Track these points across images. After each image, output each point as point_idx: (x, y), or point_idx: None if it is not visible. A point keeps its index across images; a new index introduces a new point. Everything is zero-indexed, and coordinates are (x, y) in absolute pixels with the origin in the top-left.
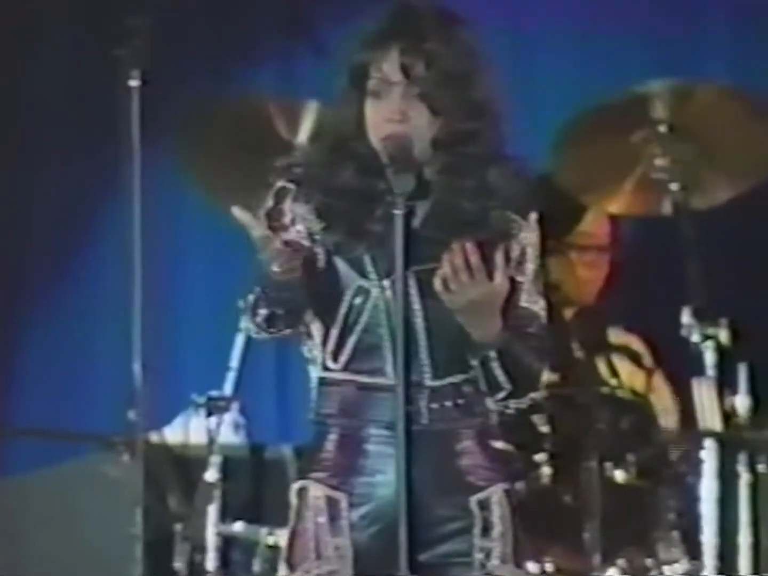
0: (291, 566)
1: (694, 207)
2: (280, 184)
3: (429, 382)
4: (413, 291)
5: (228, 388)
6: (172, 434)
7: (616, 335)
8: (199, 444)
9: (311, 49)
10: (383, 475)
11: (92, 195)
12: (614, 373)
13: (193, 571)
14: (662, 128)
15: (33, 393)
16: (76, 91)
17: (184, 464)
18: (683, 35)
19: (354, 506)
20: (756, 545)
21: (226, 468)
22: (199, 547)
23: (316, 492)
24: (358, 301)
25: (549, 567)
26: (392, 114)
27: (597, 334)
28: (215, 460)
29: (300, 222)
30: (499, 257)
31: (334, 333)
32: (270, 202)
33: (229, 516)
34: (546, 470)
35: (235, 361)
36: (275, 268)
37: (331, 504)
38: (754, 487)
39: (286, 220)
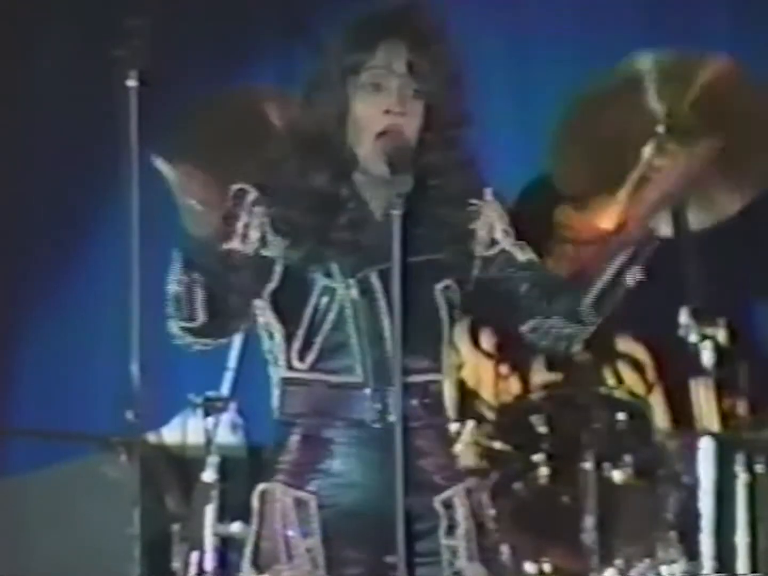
0: (258, 568)
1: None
2: (237, 186)
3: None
4: (377, 289)
5: (225, 389)
6: (170, 435)
7: (624, 343)
8: (196, 444)
9: (311, 49)
10: (351, 475)
11: (91, 195)
12: (619, 379)
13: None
14: (661, 129)
15: (32, 393)
16: (74, 91)
17: (181, 465)
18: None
19: (322, 507)
20: (753, 545)
21: (223, 468)
22: (197, 548)
23: (283, 494)
24: (324, 300)
25: (547, 567)
26: (392, 105)
27: (601, 336)
28: (213, 460)
29: (255, 231)
30: (498, 234)
31: (300, 333)
32: (229, 203)
33: (226, 516)
34: (544, 470)
35: (232, 362)
36: (195, 205)
37: (300, 505)
38: (752, 488)
39: (239, 226)
